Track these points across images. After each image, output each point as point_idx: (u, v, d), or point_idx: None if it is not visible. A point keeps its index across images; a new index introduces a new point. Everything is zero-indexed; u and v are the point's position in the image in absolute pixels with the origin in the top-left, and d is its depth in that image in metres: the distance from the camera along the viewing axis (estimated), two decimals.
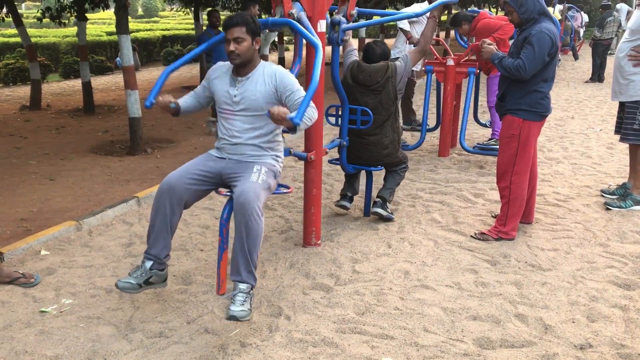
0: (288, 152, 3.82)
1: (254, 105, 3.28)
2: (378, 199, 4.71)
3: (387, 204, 4.73)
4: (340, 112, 4.54)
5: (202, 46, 3.68)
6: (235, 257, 3.05)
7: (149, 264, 3.22)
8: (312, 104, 3.21)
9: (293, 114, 2.89)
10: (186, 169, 3.28)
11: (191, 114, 3.61)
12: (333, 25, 4.05)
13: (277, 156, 3.45)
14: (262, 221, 3.04)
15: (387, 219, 4.73)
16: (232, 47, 3.20)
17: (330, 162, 4.79)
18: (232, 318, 2.90)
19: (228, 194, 3.31)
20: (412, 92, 7.75)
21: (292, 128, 3.04)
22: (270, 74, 3.29)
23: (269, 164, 3.34)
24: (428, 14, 4.74)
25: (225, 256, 3.18)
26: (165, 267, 3.30)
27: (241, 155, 3.36)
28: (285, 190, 3.62)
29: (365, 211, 4.96)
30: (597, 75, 13.40)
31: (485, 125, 7.46)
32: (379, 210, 4.67)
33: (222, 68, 3.43)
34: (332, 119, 4.67)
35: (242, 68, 3.31)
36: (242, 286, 3.02)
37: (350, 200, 4.82)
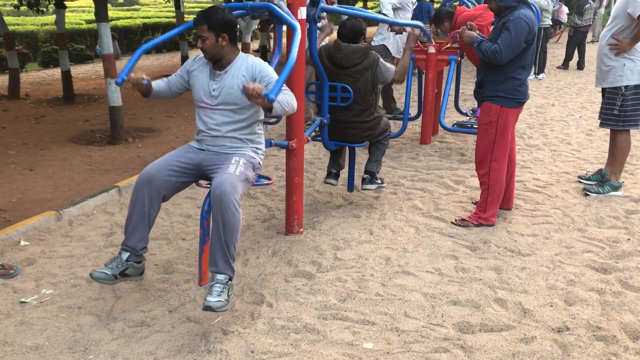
0: (269, 143, 3.81)
1: (232, 99, 3.29)
2: (366, 175, 4.75)
3: (376, 175, 4.77)
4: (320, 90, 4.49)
5: (175, 30, 3.65)
6: (212, 248, 3.05)
7: (125, 255, 3.21)
8: (290, 92, 3.24)
9: (268, 91, 2.92)
10: (165, 161, 3.27)
11: (161, 99, 3.54)
12: (312, 3, 4.03)
13: (257, 148, 3.45)
14: (239, 213, 3.04)
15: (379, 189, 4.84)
16: (199, 44, 3.25)
17: (312, 139, 4.78)
18: (207, 309, 2.89)
19: (208, 186, 3.31)
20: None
21: (268, 110, 3.09)
22: (249, 67, 3.30)
23: (248, 155, 3.34)
24: (405, 45, 4.72)
25: (206, 248, 3.18)
26: (142, 259, 3.29)
27: (221, 147, 3.36)
28: (265, 182, 3.63)
29: (348, 187, 5.00)
30: (568, 62, 13.63)
31: (466, 114, 7.47)
32: (369, 187, 4.74)
33: (201, 61, 3.42)
34: (313, 97, 4.64)
35: (218, 62, 3.32)
36: (220, 277, 3.02)
37: (336, 177, 4.84)
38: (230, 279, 3.07)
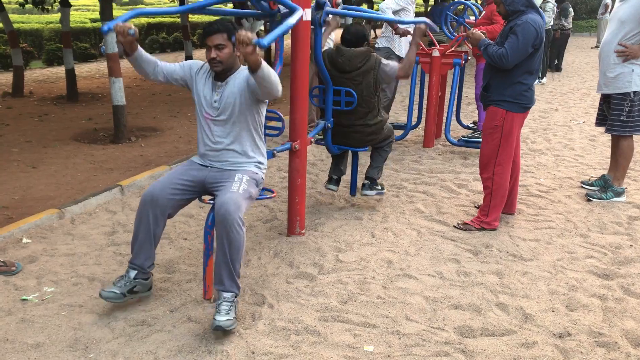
0: (272, 154, 3.79)
1: (233, 109, 3.27)
2: (366, 181, 4.75)
3: (376, 181, 4.77)
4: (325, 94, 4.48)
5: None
6: (218, 267, 3.06)
7: (133, 273, 3.23)
8: (278, 78, 3.13)
9: (261, 40, 2.74)
10: (169, 179, 3.27)
11: (140, 70, 3.31)
12: (318, 7, 4.03)
13: (259, 163, 3.44)
14: (243, 231, 3.04)
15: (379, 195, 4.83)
16: (213, 54, 3.19)
17: (316, 142, 4.76)
18: (218, 328, 2.90)
19: (211, 202, 3.30)
20: (394, 94, 7.52)
21: (254, 69, 2.92)
22: (247, 73, 3.25)
23: (251, 172, 3.33)
24: (411, 39, 4.69)
25: (210, 262, 3.20)
26: (149, 276, 3.31)
27: (224, 163, 3.35)
28: (269, 195, 3.63)
29: (351, 191, 5.00)
30: (555, 64, 13.66)
31: (467, 127, 7.37)
32: (368, 192, 4.73)
33: (204, 68, 3.39)
34: (316, 100, 4.64)
35: (223, 73, 3.30)
36: (227, 295, 3.04)
37: (337, 183, 4.84)
38: (237, 296, 3.08)
